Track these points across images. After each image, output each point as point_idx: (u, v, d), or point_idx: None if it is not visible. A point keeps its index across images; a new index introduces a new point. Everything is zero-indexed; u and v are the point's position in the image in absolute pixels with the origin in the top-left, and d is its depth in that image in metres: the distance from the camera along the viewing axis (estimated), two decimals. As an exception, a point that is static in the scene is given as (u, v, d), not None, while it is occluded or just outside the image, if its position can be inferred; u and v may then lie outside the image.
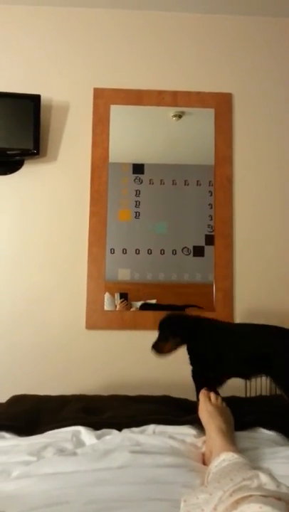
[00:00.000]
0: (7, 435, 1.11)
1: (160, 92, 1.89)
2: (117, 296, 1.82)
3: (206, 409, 1.12)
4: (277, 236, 1.86)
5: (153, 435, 1.07)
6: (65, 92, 1.88)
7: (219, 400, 1.17)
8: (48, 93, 1.85)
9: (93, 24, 1.91)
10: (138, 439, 1.03)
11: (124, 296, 1.83)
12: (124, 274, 1.86)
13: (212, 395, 1.19)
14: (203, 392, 1.19)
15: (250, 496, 0.68)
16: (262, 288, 1.82)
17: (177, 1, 1.86)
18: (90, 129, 1.87)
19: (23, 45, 1.89)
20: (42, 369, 1.75)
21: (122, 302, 1.82)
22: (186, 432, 1.08)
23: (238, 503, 0.68)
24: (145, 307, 1.83)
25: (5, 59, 1.88)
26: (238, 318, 1.79)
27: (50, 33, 1.90)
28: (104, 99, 1.88)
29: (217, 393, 1.20)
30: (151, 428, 1.09)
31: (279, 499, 0.65)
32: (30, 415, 1.20)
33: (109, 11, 1.91)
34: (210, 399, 1.17)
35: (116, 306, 1.81)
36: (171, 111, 1.91)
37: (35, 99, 1.76)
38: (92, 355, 1.77)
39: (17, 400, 1.31)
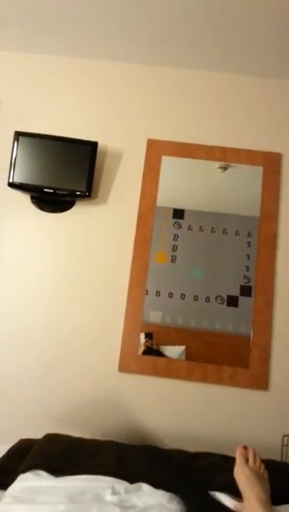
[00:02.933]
0: (43, 474, 1.11)
1: (210, 148, 1.97)
2: (142, 335, 1.83)
3: (244, 473, 1.10)
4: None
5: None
6: (121, 141, 1.98)
7: (258, 462, 1.14)
8: (105, 141, 1.96)
9: (151, 80, 2.03)
10: (174, 500, 1.01)
11: (149, 335, 1.83)
12: (155, 317, 1.86)
13: (250, 456, 1.16)
14: (240, 451, 1.16)
15: None
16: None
17: (231, 63, 1.97)
18: (141, 176, 1.95)
19: (85, 95, 2.02)
20: (72, 408, 1.75)
21: (146, 342, 1.82)
22: (222, 496, 1.06)
23: None
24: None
25: (68, 107, 2.01)
26: (274, 379, 1.76)
27: (111, 85, 2.03)
28: (156, 150, 1.97)
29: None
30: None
31: None
32: (65, 456, 1.20)
33: (167, 68, 2.03)
34: (247, 460, 1.15)
35: (141, 346, 1.81)
36: (218, 163, 1.97)
37: (93, 145, 1.86)
38: (122, 399, 1.76)
39: (51, 439, 1.31)
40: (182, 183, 1.97)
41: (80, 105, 2.01)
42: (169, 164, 1.96)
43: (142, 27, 1.80)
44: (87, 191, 1.83)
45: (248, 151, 1.97)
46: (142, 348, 1.80)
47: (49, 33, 1.91)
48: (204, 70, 2.04)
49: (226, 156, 1.97)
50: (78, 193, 1.84)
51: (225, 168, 1.98)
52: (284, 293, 1.85)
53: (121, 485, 1.06)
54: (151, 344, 1.81)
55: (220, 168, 1.98)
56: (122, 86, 2.04)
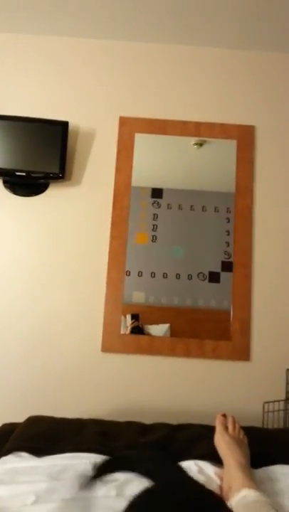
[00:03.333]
0: (25, 455, 1.12)
1: (184, 123, 1.94)
2: (128, 317, 1.83)
3: (224, 439, 1.12)
4: (294, 267, 1.86)
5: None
6: (92, 120, 1.94)
7: (237, 429, 1.17)
8: (76, 120, 1.92)
9: (120, 56, 1.99)
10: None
11: (135, 317, 1.83)
12: (138, 297, 1.87)
13: (230, 423, 1.18)
14: (219, 419, 1.18)
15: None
16: (281, 319, 1.82)
17: (201, 35, 1.93)
18: (114, 155, 1.92)
19: (53, 75, 1.97)
20: (56, 390, 1.75)
21: (133, 323, 1.83)
22: (203, 464, 1.08)
23: None
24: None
25: (34, 86, 1.96)
26: (255, 350, 1.79)
27: (80, 63, 1.98)
28: (129, 128, 1.94)
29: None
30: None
31: None
32: (48, 437, 1.21)
33: (136, 43, 1.99)
34: (227, 428, 1.17)
35: (127, 327, 1.82)
36: (193, 139, 1.95)
37: (64, 125, 1.82)
38: (106, 378, 1.77)
39: (34, 421, 1.32)
40: (158, 162, 1.95)
41: (49, 85, 1.96)
42: (143, 142, 1.94)
43: (108, 1, 1.75)
44: (60, 173, 1.80)
45: (222, 125, 1.95)
46: (128, 329, 1.81)
47: (15, 10, 1.84)
48: (174, 44, 2.00)
49: (199, 130, 1.95)
50: (52, 175, 1.81)
51: (200, 145, 1.96)
52: (261, 265, 1.86)
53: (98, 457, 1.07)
54: (137, 326, 1.82)
55: (196, 144, 1.96)
56: (92, 64, 1.99)
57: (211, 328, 1.83)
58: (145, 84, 1.98)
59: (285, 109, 1.97)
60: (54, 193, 1.89)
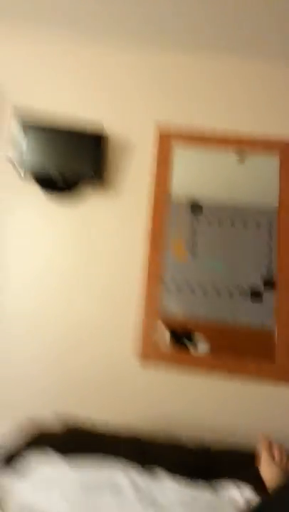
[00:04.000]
0: (61, 464, 1.09)
1: (225, 137, 1.91)
2: (167, 334, 1.79)
3: (271, 470, 1.04)
4: None
5: (214, 492, 1.00)
6: (132, 131, 1.94)
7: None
8: (116, 130, 1.93)
9: (163, 67, 1.99)
10: (199, 497, 0.97)
11: (174, 334, 1.79)
12: (178, 313, 1.83)
13: (276, 450, 1.10)
14: (264, 445, 1.11)
15: None
16: None
17: (249, 47, 1.91)
18: (154, 168, 1.90)
19: (94, 84, 1.99)
20: (88, 397, 1.74)
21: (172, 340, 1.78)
22: (248, 493, 1.00)
23: None
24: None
25: (76, 95, 1.98)
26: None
27: (123, 73, 1.99)
28: (168, 140, 1.93)
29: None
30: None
31: None
32: (84, 448, 1.17)
33: (178, 54, 1.99)
34: (274, 456, 1.09)
35: (168, 344, 1.78)
36: (235, 155, 1.91)
37: (104, 136, 1.84)
38: (144, 393, 1.73)
39: (71, 432, 1.29)
40: (198, 176, 1.93)
41: (91, 95, 1.98)
42: (182, 154, 1.92)
43: (149, 9, 1.77)
44: (96, 179, 1.82)
45: (264, 139, 1.90)
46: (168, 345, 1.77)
47: (53, 15, 1.89)
48: (218, 54, 1.98)
49: (241, 144, 1.91)
50: (88, 183, 1.83)
51: (242, 160, 1.92)
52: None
53: (143, 478, 1.02)
54: (178, 344, 1.78)
55: (237, 159, 1.92)
56: (132, 74, 1.99)
57: (252, 347, 1.75)
58: (186, 96, 1.96)
59: None
60: (90, 201, 1.90)
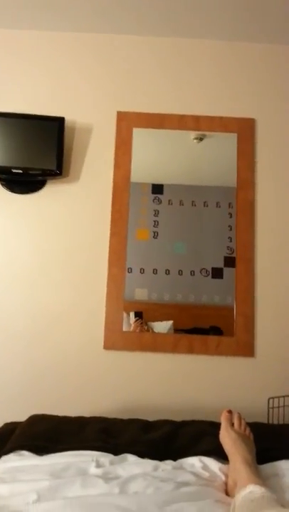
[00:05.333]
0: (27, 454, 1.10)
1: (182, 117, 1.92)
2: (132, 315, 1.81)
3: (230, 436, 1.10)
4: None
5: (175, 463, 1.05)
6: (89, 115, 1.92)
7: (243, 425, 1.15)
8: (72, 116, 1.90)
9: (117, 49, 1.97)
10: (159, 467, 1.01)
11: (138, 315, 1.82)
12: (141, 294, 1.85)
13: (236, 419, 1.16)
14: (225, 415, 1.16)
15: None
16: (285, 314, 1.79)
17: (202, 28, 1.91)
18: (113, 151, 1.90)
19: (49, 69, 1.95)
20: (58, 388, 1.74)
21: (136, 321, 1.81)
22: (208, 460, 1.06)
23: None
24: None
25: (30, 82, 1.94)
26: (259, 345, 1.76)
27: (77, 57, 1.96)
28: (127, 122, 1.92)
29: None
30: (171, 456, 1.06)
31: None
32: (50, 435, 1.19)
33: (134, 37, 1.97)
34: (233, 424, 1.15)
35: (131, 325, 1.80)
36: (193, 134, 1.93)
37: (60, 121, 1.80)
38: (109, 376, 1.75)
39: (36, 420, 1.30)
40: (158, 157, 1.93)
41: (44, 81, 1.94)
42: (141, 137, 1.92)
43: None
44: (57, 169, 1.78)
45: (222, 118, 1.92)
46: (131, 327, 1.79)
47: (11, 6, 1.82)
48: (173, 36, 1.97)
49: (198, 124, 1.92)
50: (49, 171, 1.79)
51: (201, 139, 1.94)
52: (264, 260, 1.84)
53: (106, 458, 1.06)
54: (141, 324, 1.80)
55: (196, 139, 1.94)
56: (88, 59, 1.97)
57: (214, 323, 1.81)
58: (142, 79, 1.96)
59: (286, 101, 1.94)
60: (52, 190, 1.87)
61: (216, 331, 1.80)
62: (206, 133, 1.92)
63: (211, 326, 1.81)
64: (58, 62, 1.95)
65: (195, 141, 1.94)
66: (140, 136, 1.92)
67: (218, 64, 1.97)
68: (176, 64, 1.97)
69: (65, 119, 1.82)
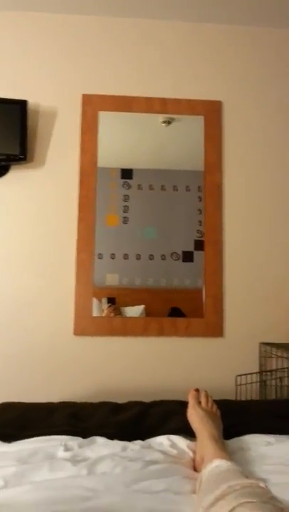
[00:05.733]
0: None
1: (149, 99, 1.90)
2: (104, 301, 1.81)
3: (197, 413, 1.11)
4: (266, 244, 1.87)
5: (143, 443, 1.06)
6: (53, 98, 1.87)
7: (210, 402, 1.17)
8: (36, 99, 1.85)
9: (82, 31, 1.92)
10: (127, 448, 1.02)
11: (111, 300, 1.82)
12: (112, 280, 1.84)
13: (202, 397, 1.18)
14: (192, 394, 1.18)
15: (249, 502, 0.68)
16: (251, 295, 1.83)
17: (168, 9, 1.88)
18: (78, 134, 1.86)
19: (10, 51, 1.88)
20: (28, 375, 1.72)
21: (109, 307, 1.81)
22: (176, 438, 1.07)
23: (235, 508, 0.68)
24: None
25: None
26: (228, 325, 1.80)
27: (39, 38, 1.90)
28: (92, 106, 1.88)
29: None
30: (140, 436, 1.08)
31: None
32: (18, 422, 1.18)
33: (98, 18, 1.92)
34: (200, 402, 1.17)
35: (103, 311, 1.80)
36: (160, 117, 1.91)
37: (22, 104, 1.75)
38: (79, 362, 1.75)
39: (4, 408, 1.29)
40: (126, 141, 1.91)
41: (6, 61, 1.88)
42: (108, 120, 1.89)
43: None
44: (21, 154, 1.74)
45: (188, 101, 1.91)
46: (104, 313, 1.78)
47: None
48: (139, 18, 1.94)
49: (166, 107, 1.91)
50: (12, 156, 1.74)
51: (169, 122, 1.93)
52: (232, 242, 1.86)
53: (74, 441, 1.06)
54: (114, 310, 1.80)
55: (164, 122, 1.93)
56: (51, 38, 1.91)
57: (187, 307, 1.83)
58: (108, 61, 1.92)
59: (252, 84, 1.95)
60: (16, 176, 1.83)
61: (176, 312, 1.82)
62: (174, 116, 1.91)
63: (172, 307, 1.83)
64: (19, 43, 1.89)
65: (163, 124, 1.93)
66: (107, 120, 1.89)
67: (184, 46, 1.95)
68: (142, 46, 1.94)
69: (28, 102, 1.78)
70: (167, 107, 1.90)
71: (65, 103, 1.88)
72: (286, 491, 0.83)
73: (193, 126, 1.92)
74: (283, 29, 1.97)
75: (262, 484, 0.77)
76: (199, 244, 1.87)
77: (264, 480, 0.89)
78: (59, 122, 1.87)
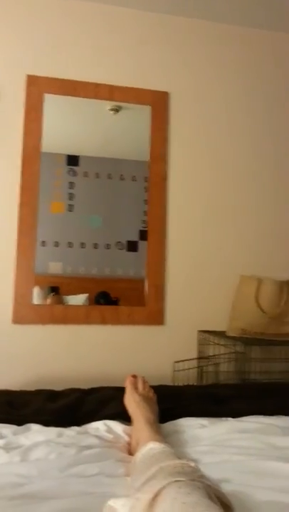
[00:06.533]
0: None
1: (97, 85, 1.87)
2: (47, 289, 1.78)
3: (133, 398, 1.13)
4: (207, 235, 1.92)
5: (79, 429, 1.06)
6: (1, 80, 1.79)
7: (147, 388, 1.19)
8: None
9: (32, 9, 1.84)
10: (63, 434, 1.02)
11: (55, 289, 1.79)
12: (55, 268, 1.81)
13: (139, 382, 1.20)
14: (129, 379, 1.20)
15: (178, 481, 0.70)
16: (192, 285, 1.87)
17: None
18: (22, 116, 1.80)
19: None
20: None
21: (53, 296, 1.78)
22: (112, 423, 1.09)
23: (164, 487, 0.69)
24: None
25: None
26: (169, 314, 1.83)
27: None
28: (38, 87, 1.82)
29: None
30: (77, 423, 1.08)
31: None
32: None
33: (47, 2, 1.86)
34: (137, 387, 1.19)
35: (46, 300, 1.77)
36: (108, 105, 1.89)
37: None
38: (18, 350, 1.71)
39: None
40: (73, 127, 1.87)
41: None
42: (54, 104, 1.84)
43: None
44: None
45: (136, 90, 1.91)
46: (47, 302, 1.75)
47: None
48: (89, 2, 1.89)
49: (113, 94, 1.89)
50: None
51: (116, 110, 1.91)
52: (175, 232, 1.89)
53: (9, 429, 1.04)
54: (58, 299, 1.77)
55: (112, 110, 1.91)
56: (-6, 14, 1.82)
57: (130, 296, 1.84)
58: (56, 42, 1.86)
59: (199, 75, 1.98)
60: None
61: (105, 297, 1.82)
62: (122, 104, 1.90)
63: (100, 291, 1.83)
64: None
65: (111, 112, 1.91)
66: (53, 103, 1.84)
67: (134, 34, 1.93)
68: (91, 30, 1.90)
69: None
70: (114, 95, 1.89)
71: (9, 83, 1.80)
72: (216, 470, 0.87)
73: (141, 116, 1.92)
74: (229, 24, 2.01)
75: (192, 464, 0.80)
76: (144, 234, 1.88)
77: (195, 460, 0.93)
78: (2, 103, 1.79)
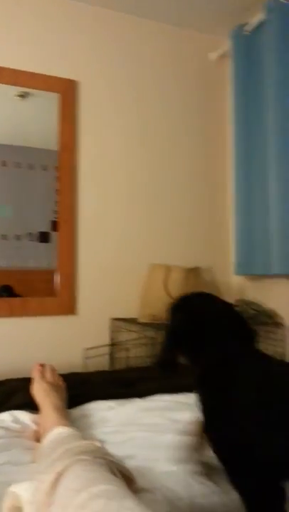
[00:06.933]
0: None
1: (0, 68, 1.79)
2: None
3: (41, 387, 1.13)
4: (118, 225, 1.95)
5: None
6: None
7: (56, 376, 1.20)
8: None
9: None
10: None
11: None
12: None
13: (47, 371, 1.20)
14: (37, 368, 1.20)
15: (82, 459, 0.72)
16: (104, 274, 1.90)
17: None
18: None
19: None
20: None
21: None
22: (19, 413, 1.08)
23: (68, 466, 0.71)
24: None
25: None
26: (81, 303, 1.84)
27: None
28: None
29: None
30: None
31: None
32: None
33: None
34: (45, 376, 1.19)
35: None
36: (15, 90, 1.83)
37: None
38: None
39: None
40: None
41: None
42: None
43: None
44: None
45: (43, 76, 1.86)
46: None
47: None
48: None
49: (17, 79, 1.82)
50: None
51: (23, 96, 1.85)
52: (85, 222, 1.90)
53: None
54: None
55: (18, 95, 1.84)
56: None
57: (42, 288, 1.81)
58: None
59: (109, 65, 1.98)
60: None
61: (7, 291, 1.79)
62: (29, 90, 1.84)
63: (3, 285, 1.79)
64: None
65: (17, 98, 1.84)
66: None
67: (44, 19, 1.87)
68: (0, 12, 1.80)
69: None
70: (19, 79, 1.82)
71: None
72: (121, 448, 0.92)
73: (50, 104, 1.88)
74: (140, 17, 2.04)
75: (97, 443, 0.83)
76: (56, 225, 1.86)
77: (102, 441, 0.96)
78: None
